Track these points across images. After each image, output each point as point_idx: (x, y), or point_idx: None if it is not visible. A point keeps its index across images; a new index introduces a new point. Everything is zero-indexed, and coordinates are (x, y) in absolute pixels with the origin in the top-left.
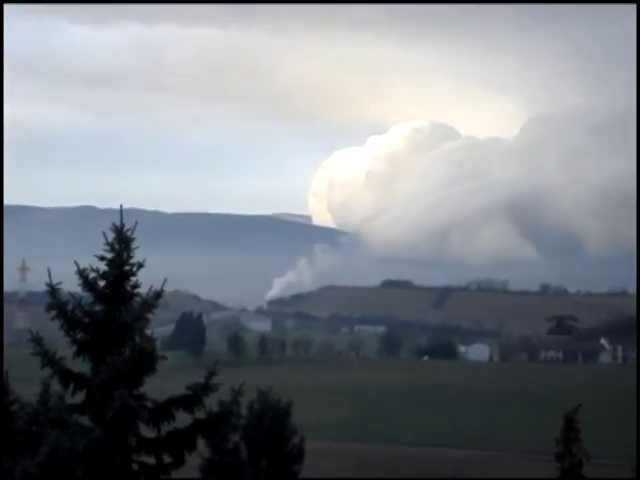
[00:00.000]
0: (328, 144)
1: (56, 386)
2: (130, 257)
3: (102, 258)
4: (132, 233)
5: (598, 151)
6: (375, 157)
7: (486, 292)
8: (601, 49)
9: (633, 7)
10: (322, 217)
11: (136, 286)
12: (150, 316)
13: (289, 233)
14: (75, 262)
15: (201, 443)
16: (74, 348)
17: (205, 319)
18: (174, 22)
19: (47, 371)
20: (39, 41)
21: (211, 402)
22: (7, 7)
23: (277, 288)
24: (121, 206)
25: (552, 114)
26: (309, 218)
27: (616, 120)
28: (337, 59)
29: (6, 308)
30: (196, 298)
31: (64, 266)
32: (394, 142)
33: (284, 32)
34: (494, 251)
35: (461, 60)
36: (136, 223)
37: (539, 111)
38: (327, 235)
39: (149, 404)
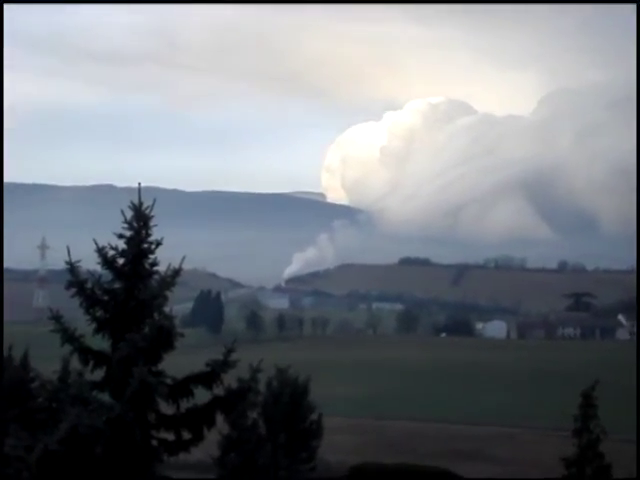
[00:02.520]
0: (344, 122)
1: (76, 363)
2: (148, 235)
3: (121, 236)
4: (150, 211)
5: (615, 127)
6: (390, 133)
7: (504, 270)
8: (617, 24)
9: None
10: (336, 194)
11: (155, 264)
12: (169, 294)
13: (306, 211)
14: (94, 240)
15: (220, 419)
16: (94, 325)
17: (223, 297)
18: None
19: (67, 348)
20: (57, 20)
21: (230, 379)
22: None
23: (295, 265)
24: (139, 184)
25: (569, 90)
26: (325, 196)
27: (633, 96)
28: (352, 36)
29: (26, 286)
30: (214, 276)
31: (83, 244)
32: (410, 118)
33: (299, 9)
34: (510, 229)
35: (477, 36)
36: (154, 201)
37: (556, 87)
38: (344, 213)
39: (168, 381)
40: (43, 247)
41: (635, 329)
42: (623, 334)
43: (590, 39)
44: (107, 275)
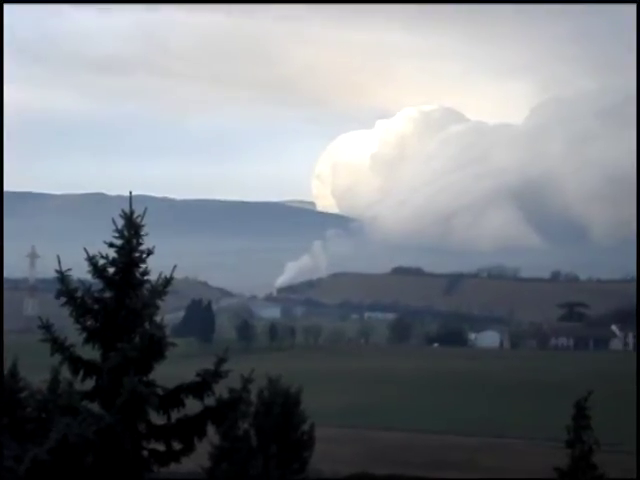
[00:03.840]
0: (336, 130)
1: (66, 373)
2: (139, 244)
3: (111, 245)
4: (141, 220)
5: (607, 135)
6: (382, 141)
7: (497, 279)
8: (610, 32)
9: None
10: (326, 201)
11: (145, 273)
12: (160, 303)
13: (298, 220)
14: (85, 249)
15: (211, 430)
16: (84, 335)
17: (214, 306)
18: (180, 7)
19: (57, 358)
20: (46, 27)
21: (221, 389)
22: None
23: (287, 274)
24: (130, 193)
25: (561, 98)
26: (316, 204)
27: (626, 104)
28: (344, 44)
29: (16, 295)
30: (205, 285)
31: (74, 253)
32: (402, 126)
33: (290, 17)
34: (502, 237)
35: (470, 45)
36: (145, 210)
37: (547, 96)
38: (336, 221)
39: (159, 391)
40: (33, 256)
41: (629, 339)
42: (616, 344)
43: (582, 47)
44: (97, 284)
